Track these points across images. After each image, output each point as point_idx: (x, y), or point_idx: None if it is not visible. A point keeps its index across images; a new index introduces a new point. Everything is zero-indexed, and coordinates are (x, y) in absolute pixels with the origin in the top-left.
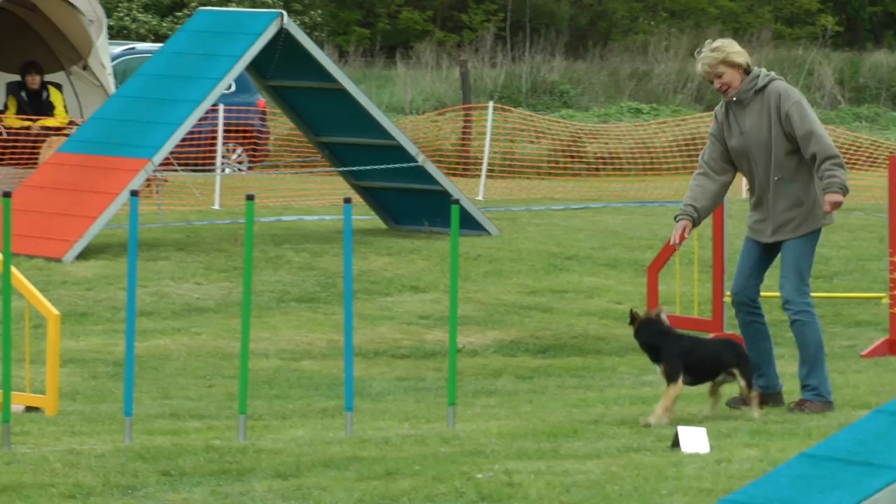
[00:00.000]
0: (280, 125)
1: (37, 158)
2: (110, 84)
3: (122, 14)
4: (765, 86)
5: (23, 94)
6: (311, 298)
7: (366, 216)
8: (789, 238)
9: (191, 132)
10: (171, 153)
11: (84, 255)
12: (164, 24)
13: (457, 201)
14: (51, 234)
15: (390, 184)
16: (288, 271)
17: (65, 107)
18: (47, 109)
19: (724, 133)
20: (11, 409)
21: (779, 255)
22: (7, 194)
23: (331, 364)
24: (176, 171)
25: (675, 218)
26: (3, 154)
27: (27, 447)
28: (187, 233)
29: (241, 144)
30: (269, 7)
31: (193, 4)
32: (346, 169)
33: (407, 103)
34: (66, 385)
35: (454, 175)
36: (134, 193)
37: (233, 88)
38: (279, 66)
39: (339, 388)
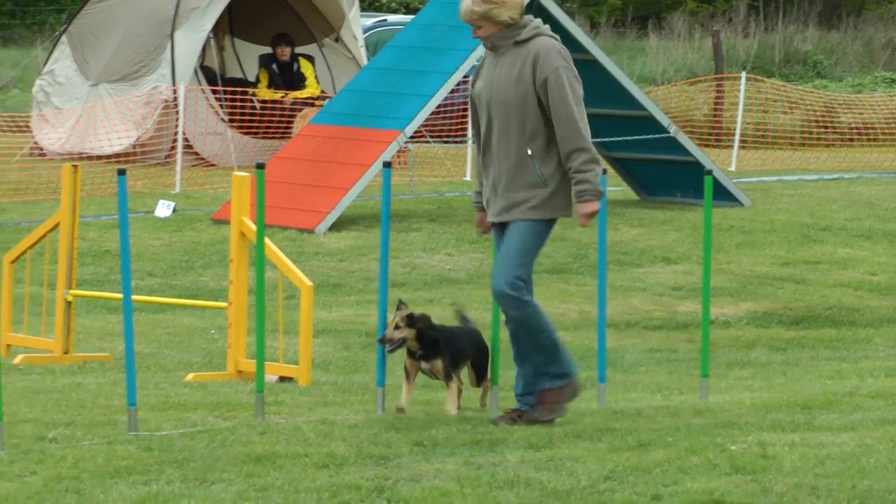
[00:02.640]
0: None
1: (289, 130)
2: (362, 56)
3: None
4: (528, 38)
5: (274, 66)
6: (563, 269)
7: (617, 187)
8: (520, 219)
9: (442, 103)
10: (423, 124)
11: (336, 227)
12: None
13: (710, 172)
14: (303, 206)
15: (642, 155)
16: None
17: (315, 78)
18: (298, 81)
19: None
20: (265, 380)
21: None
22: (260, 166)
23: (583, 335)
24: (428, 142)
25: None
26: (256, 126)
27: (281, 417)
28: (439, 204)
29: None
30: None
31: None
32: (597, 140)
33: (659, 74)
34: (318, 355)
35: (706, 146)
36: (387, 165)
37: None
38: None
39: (591, 360)
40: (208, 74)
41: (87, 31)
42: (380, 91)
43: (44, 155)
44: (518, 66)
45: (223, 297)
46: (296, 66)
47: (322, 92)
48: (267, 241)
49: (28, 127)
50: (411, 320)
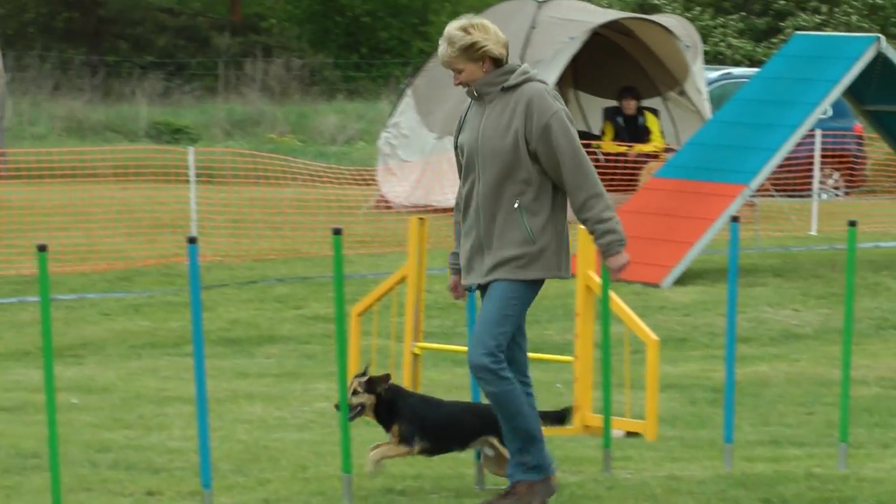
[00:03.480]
0: (877, 150)
1: (634, 183)
2: (706, 109)
3: (717, 40)
4: (516, 85)
5: (619, 119)
6: None
7: None
8: (503, 279)
9: (787, 157)
10: (768, 178)
11: (681, 281)
12: (759, 50)
13: None
14: (648, 260)
15: None
16: (887, 298)
17: (661, 132)
18: (643, 135)
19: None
20: (612, 434)
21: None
22: None
23: None
24: (772, 196)
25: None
26: (601, 179)
27: (628, 472)
28: (785, 258)
29: (838, 169)
30: (864, 31)
31: (788, 30)
32: None
33: None
34: (665, 410)
35: None
36: (735, 219)
37: (829, 113)
38: (876, 90)
39: None
40: None
41: (431, 83)
42: (725, 144)
43: (389, 207)
44: (507, 114)
45: (568, 351)
46: (641, 120)
47: (667, 145)
48: (612, 294)
49: (374, 179)
50: (371, 385)
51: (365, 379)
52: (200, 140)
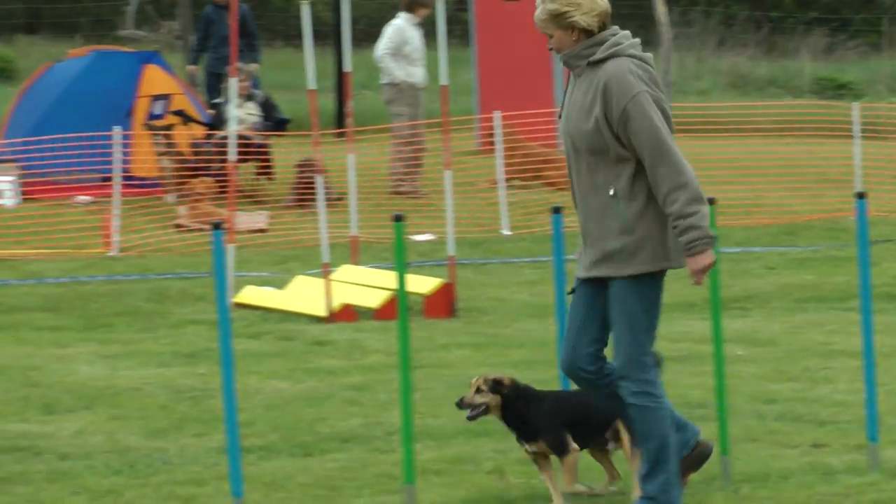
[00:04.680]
0: None
1: None
2: None
3: None
4: (603, 59)
5: None
6: None
7: None
8: (615, 276)
9: None
10: None
11: None
12: None
13: None
14: None
15: None
16: None
17: None
18: None
19: None
20: None
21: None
22: None
23: None
24: None
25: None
26: None
27: None
28: None
29: None
30: None
31: None
32: None
33: None
34: None
35: None
36: None
37: None
38: None
39: None
40: None
41: None
42: None
43: None
44: (591, 94)
45: None
46: None
47: None
48: None
49: None
50: (497, 385)
51: (491, 378)
52: (865, 96)
